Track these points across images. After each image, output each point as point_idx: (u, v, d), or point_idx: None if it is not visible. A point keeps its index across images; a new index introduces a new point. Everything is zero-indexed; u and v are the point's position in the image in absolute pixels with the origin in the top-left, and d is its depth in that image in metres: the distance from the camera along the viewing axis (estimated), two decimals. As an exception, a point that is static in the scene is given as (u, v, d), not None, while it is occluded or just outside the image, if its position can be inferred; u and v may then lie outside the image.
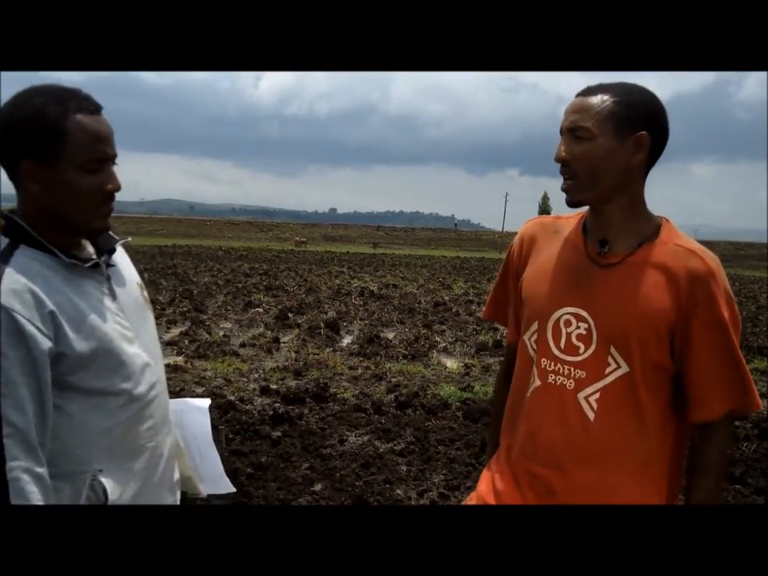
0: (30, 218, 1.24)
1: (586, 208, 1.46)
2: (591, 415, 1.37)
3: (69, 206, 1.23)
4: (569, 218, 1.53)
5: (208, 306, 10.96)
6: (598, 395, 1.37)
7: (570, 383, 1.40)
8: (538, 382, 1.44)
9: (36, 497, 1.14)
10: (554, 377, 1.42)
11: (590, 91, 1.36)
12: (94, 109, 1.24)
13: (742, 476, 4.18)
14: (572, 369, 1.40)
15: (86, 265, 1.27)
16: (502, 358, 1.77)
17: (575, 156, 1.34)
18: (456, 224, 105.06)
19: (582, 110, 1.34)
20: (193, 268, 19.03)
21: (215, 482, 1.61)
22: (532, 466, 1.45)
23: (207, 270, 18.35)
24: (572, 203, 1.41)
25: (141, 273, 1.52)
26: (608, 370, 1.36)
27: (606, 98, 1.33)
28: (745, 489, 4.03)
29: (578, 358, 1.39)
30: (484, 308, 1.72)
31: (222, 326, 9.28)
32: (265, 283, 15.03)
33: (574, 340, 1.40)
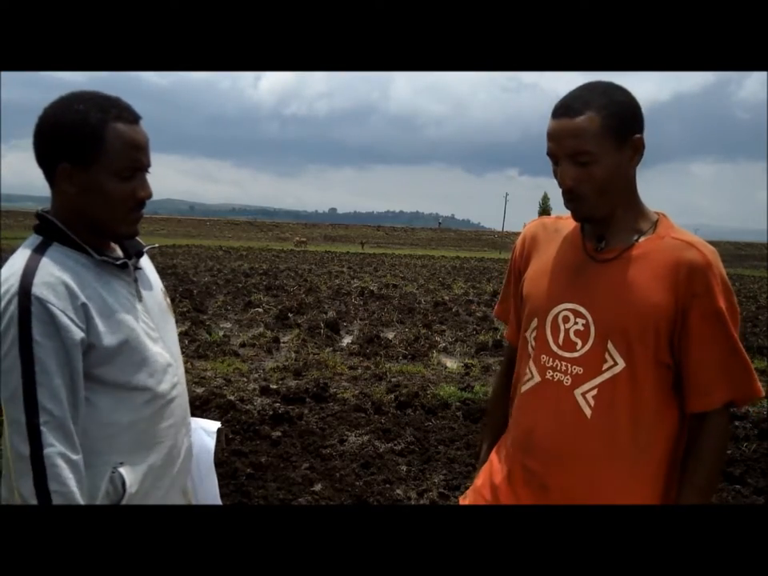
0: (63, 217, 1.28)
1: None
2: (588, 411, 1.38)
3: (101, 209, 1.27)
4: (569, 217, 1.53)
5: (208, 305, 10.95)
6: (595, 391, 1.37)
7: (567, 379, 1.40)
8: (537, 378, 1.46)
9: (72, 482, 1.17)
10: (551, 373, 1.43)
11: (571, 110, 1.31)
12: (133, 118, 1.28)
13: (741, 476, 4.18)
14: (569, 365, 1.40)
15: (116, 263, 1.32)
16: (503, 358, 1.78)
17: (583, 180, 1.33)
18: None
19: (575, 134, 1.30)
20: (193, 268, 19.03)
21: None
22: (527, 461, 1.46)
23: (207, 270, 18.35)
24: (582, 219, 1.41)
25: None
26: (605, 366, 1.37)
27: (592, 114, 1.29)
28: (745, 489, 4.02)
29: (576, 354, 1.40)
30: (495, 306, 1.74)
31: (222, 325, 9.28)
32: (265, 283, 15.03)
33: (571, 336, 1.40)
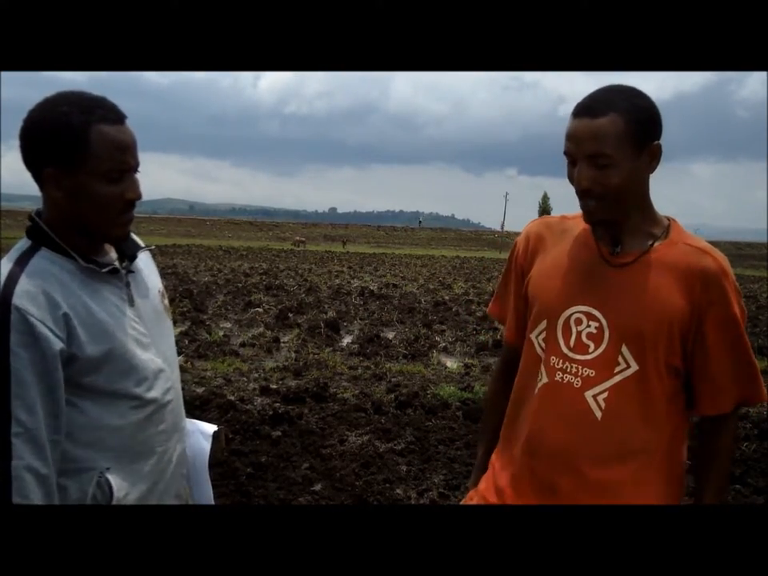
0: (53, 221, 1.27)
1: None
2: (599, 413, 1.37)
3: (90, 213, 1.25)
4: (575, 217, 1.51)
5: (208, 305, 10.94)
6: (606, 394, 1.37)
7: (578, 381, 1.39)
8: (545, 380, 1.44)
9: (37, 497, 1.15)
10: (561, 375, 1.41)
11: (594, 111, 1.29)
12: (118, 118, 1.25)
13: (741, 476, 4.17)
14: (580, 367, 1.39)
15: (103, 270, 1.29)
16: (499, 360, 1.74)
17: (599, 183, 1.31)
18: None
19: (595, 137, 1.28)
20: (193, 268, 19.03)
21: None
22: (535, 464, 1.44)
23: (207, 270, 18.35)
24: (595, 222, 1.40)
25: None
26: (617, 369, 1.37)
27: (615, 118, 1.28)
28: (745, 489, 4.02)
29: (588, 357, 1.39)
30: (490, 304, 1.71)
31: (221, 325, 9.27)
32: (265, 283, 15.02)
33: (583, 338, 1.40)
